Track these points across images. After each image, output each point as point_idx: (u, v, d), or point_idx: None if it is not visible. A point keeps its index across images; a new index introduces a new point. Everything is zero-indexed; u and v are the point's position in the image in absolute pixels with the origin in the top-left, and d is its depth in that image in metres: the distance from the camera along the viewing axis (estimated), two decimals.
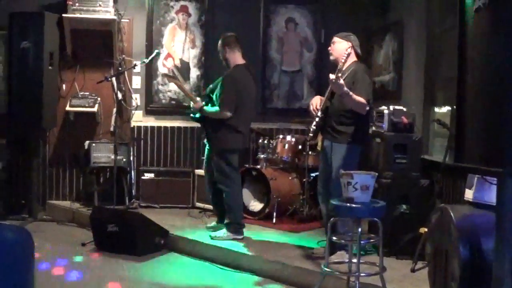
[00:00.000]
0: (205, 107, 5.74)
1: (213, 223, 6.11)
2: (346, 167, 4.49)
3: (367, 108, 4.78)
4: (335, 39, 5.03)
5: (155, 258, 5.53)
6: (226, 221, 5.80)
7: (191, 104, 5.85)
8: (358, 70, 4.89)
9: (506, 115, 2.39)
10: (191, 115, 5.92)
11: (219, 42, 5.87)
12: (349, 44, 4.96)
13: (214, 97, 5.75)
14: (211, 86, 5.90)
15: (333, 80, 4.53)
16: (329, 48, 5.07)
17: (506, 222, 2.58)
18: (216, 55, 6.13)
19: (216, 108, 5.64)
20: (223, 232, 5.74)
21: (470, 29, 2.65)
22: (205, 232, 5.93)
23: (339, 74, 4.62)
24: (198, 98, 5.88)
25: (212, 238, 5.71)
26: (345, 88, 4.57)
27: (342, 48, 4.94)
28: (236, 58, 5.79)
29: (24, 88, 6.54)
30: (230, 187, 5.72)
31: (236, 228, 5.72)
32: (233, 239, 5.67)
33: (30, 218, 6.84)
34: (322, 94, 5.07)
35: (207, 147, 5.92)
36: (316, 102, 4.99)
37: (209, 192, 6.09)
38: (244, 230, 5.81)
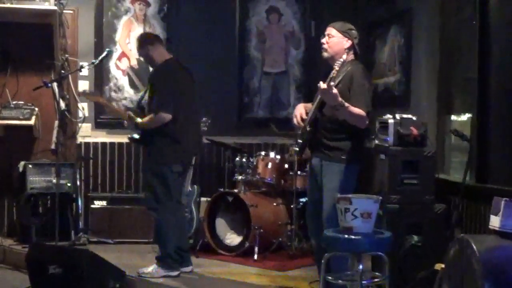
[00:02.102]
0: (139, 120, 5.78)
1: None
2: (341, 190, 4.47)
3: (367, 122, 4.74)
4: (332, 31, 4.92)
5: None
6: (156, 254, 5.84)
7: (124, 123, 5.95)
8: (355, 72, 4.80)
9: None
10: (129, 136, 5.97)
11: (136, 45, 5.97)
12: (350, 42, 4.92)
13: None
14: (141, 94, 5.94)
15: (324, 90, 4.48)
16: (323, 41, 4.94)
17: None
18: (180, 53, 6.10)
19: (150, 115, 5.67)
20: (152, 267, 5.76)
21: (493, 18, 2.66)
22: None
23: (332, 83, 4.55)
24: (129, 112, 5.97)
25: (139, 275, 5.74)
26: (340, 99, 4.52)
27: (340, 45, 4.89)
28: (163, 53, 5.87)
29: None
30: (161, 215, 5.73)
31: (169, 264, 5.73)
32: (165, 276, 5.68)
33: None
34: (311, 101, 5.05)
35: None
36: (300, 113, 4.95)
37: None
38: (218, 268, 5.79)
